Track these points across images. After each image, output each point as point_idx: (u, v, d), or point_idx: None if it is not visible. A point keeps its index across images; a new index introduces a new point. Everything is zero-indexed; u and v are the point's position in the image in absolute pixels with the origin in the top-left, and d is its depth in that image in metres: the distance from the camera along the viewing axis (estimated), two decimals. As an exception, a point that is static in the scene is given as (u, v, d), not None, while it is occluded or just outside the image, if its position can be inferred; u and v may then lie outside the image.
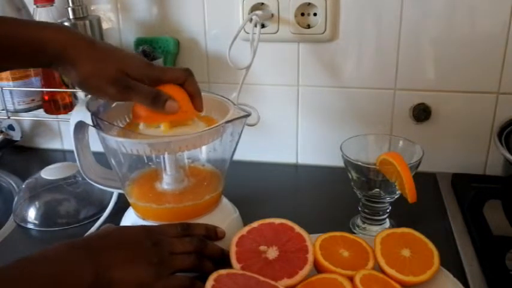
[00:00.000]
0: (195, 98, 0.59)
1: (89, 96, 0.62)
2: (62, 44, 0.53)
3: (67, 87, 0.86)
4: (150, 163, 0.68)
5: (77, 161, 0.67)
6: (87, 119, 0.60)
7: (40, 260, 0.47)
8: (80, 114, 0.61)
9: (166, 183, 0.64)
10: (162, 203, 0.63)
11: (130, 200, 0.65)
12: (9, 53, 0.53)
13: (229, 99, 0.64)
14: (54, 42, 0.53)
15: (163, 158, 0.63)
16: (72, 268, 0.47)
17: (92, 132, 0.66)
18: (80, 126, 0.64)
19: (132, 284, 0.50)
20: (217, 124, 0.58)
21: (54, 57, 0.53)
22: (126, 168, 0.66)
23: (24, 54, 0.53)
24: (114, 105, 0.64)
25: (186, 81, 0.58)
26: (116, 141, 0.58)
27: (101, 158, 0.70)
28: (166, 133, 0.58)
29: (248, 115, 0.60)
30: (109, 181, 0.70)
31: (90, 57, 0.54)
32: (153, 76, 0.56)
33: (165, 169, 0.64)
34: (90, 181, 0.69)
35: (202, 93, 0.60)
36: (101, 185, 0.69)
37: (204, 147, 0.66)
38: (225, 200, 0.68)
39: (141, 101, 0.56)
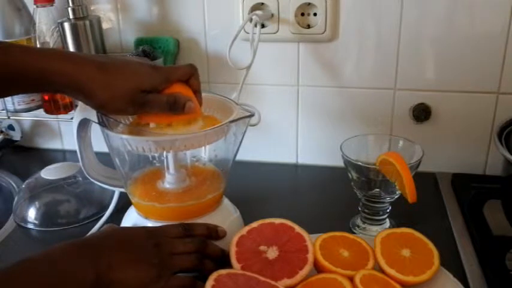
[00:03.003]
0: (196, 93, 0.60)
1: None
2: (70, 76, 0.52)
3: (67, 87, 0.86)
4: (153, 162, 0.68)
5: (79, 159, 0.67)
6: (92, 116, 0.60)
7: (42, 260, 0.47)
8: (85, 111, 0.61)
9: (168, 182, 0.65)
10: (165, 202, 0.63)
11: (133, 199, 0.65)
12: (16, 82, 0.52)
13: (232, 100, 0.64)
14: (62, 74, 0.52)
15: (167, 156, 0.63)
16: (73, 268, 0.47)
17: (94, 132, 0.66)
18: (83, 124, 0.64)
19: (133, 284, 0.50)
20: (222, 123, 0.59)
21: (64, 88, 0.53)
22: (130, 167, 0.66)
23: (31, 84, 0.53)
24: None
25: (192, 76, 0.59)
26: (121, 139, 0.58)
27: (101, 159, 0.70)
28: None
29: (252, 115, 0.60)
30: (111, 180, 0.70)
31: (102, 84, 0.53)
32: (162, 79, 0.57)
33: (167, 168, 0.64)
34: (92, 179, 0.69)
35: (206, 94, 0.61)
36: (103, 183, 0.69)
37: (207, 147, 0.66)
38: (226, 200, 0.69)
39: (160, 111, 0.57)
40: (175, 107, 0.56)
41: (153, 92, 0.56)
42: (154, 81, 0.56)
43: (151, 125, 0.59)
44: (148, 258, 0.52)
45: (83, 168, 0.68)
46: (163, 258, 0.53)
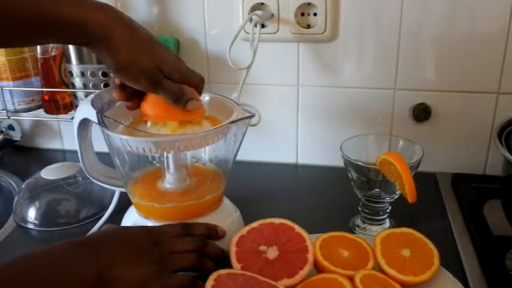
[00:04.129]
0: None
1: (92, 95, 0.63)
2: (103, 28, 0.51)
3: (67, 87, 0.86)
4: (153, 162, 0.68)
5: (80, 159, 0.67)
6: (92, 116, 0.60)
7: (43, 257, 0.47)
8: (85, 111, 0.61)
9: (169, 182, 0.65)
10: (164, 202, 0.63)
11: (133, 199, 0.65)
12: (47, 31, 0.51)
13: (233, 100, 0.64)
14: (96, 26, 0.51)
15: (167, 157, 0.63)
16: (75, 266, 0.48)
17: (95, 132, 0.66)
18: (84, 124, 0.64)
19: (134, 282, 0.50)
20: (222, 124, 0.59)
21: (94, 40, 0.52)
22: (130, 167, 0.66)
23: (63, 34, 0.52)
24: (118, 104, 0.64)
25: (197, 86, 0.59)
26: (121, 139, 0.58)
27: (102, 159, 0.70)
28: (171, 132, 0.58)
29: (252, 116, 0.60)
30: (111, 179, 0.70)
31: (130, 46, 0.53)
32: (181, 72, 0.57)
33: (168, 168, 0.64)
34: (92, 179, 0.69)
35: (207, 94, 0.62)
36: (103, 183, 0.70)
37: (207, 147, 0.66)
38: (226, 200, 0.69)
39: (167, 97, 0.56)
40: (180, 100, 0.56)
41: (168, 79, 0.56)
42: (174, 68, 0.56)
43: (148, 123, 0.59)
44: (149, 257, 0.52)
45: (83, 167, 0.68)
46: (163, 256, 0.53)
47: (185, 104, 0.57)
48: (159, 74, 0.55)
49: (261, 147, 0.92)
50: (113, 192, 0.73)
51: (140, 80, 0.54)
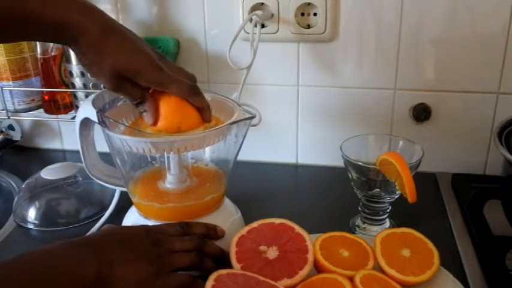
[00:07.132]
0: (200, 111, 0.59)
1: (93, 95, 0.63)
2: (77, 30, 0.52)
3: (67, 87, 0.86)
4: (153, 162, 0.68)
5: (82, 158, 0.67)
6: (93, 116, 0.60)
7: (43, 256, 0.48)
8: (86, 111, 0.61)
9: (169, 182, 0.65)
10: (165, 202, 0.63)
11: (133, 199, 0.65)
12: (30, 30, 0.52)
13: (234, 101, 0.64)
14: (71, 28, 0.52)
15: (167, 157, 0.63)
16: (75, 265, 0.48)
17: (97, 131, 0.66)
18: (86, 123, 0.64)
19: (133, 281, 0.50)
20: (221, 125, 0.58)
21: (69, 41, 0.54)
22: (130, 167, 0.66)
23: (45, 33, 0.53)
24: (120, 103, 0.64)
25: (189, 98, 0.58)
26: (120, 139, 0.58)
27: (103, 158, 0.70)
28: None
29: (253, 117, 0.60)
30: (113, 179, 0.70)
31: (97, 48, 0.53)
32: (156, 82, 0.56)
33: (168, 168, 0.64)
34: (94, 178, 0.69)
35: (208, 94, 0.61)
36: (105, 182, 0.70)
37: (208, 148, 0.66)
38: (227, 201, 0.68)
39: (129, 101, 0.58)
40: (137, 107, 0.58)
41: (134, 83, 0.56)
42: (143, 76, 0.55)
43: (149, 130, 0.59)
44: (147, 256, 0.52)
45: (85, 166, 0.68)
46: (162, 255, 0.53)
47: (141, 113, 0.58)
48: (118, 79, 0.55)
49: (261, 147, 0.92)
50: (113, 192, 0.73)
51: (101, 80, 0.56)
